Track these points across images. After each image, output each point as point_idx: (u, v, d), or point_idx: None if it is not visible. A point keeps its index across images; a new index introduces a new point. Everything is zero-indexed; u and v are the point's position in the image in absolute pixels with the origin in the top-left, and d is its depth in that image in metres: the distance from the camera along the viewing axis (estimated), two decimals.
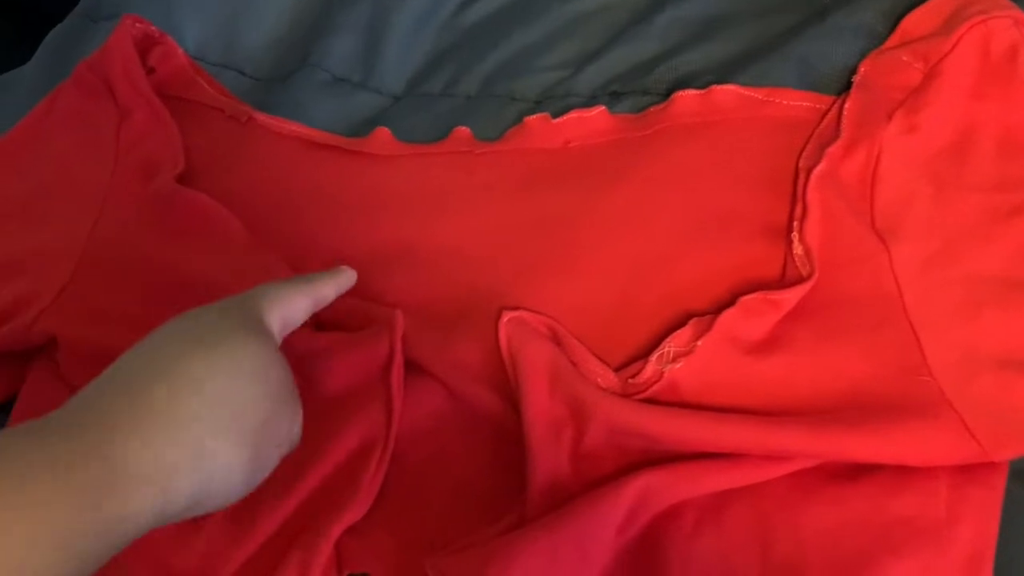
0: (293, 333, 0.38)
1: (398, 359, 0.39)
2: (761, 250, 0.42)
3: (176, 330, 0.31)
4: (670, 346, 0.39)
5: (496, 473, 0.39)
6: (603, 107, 0.46)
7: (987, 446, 0.36)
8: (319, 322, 0.43)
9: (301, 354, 0.41)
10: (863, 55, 0.46)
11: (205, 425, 0.29)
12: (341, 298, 0.43)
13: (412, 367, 0.40)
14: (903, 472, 0.36)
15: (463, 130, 0.48)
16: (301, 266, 0.45)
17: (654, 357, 0.38)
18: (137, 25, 0.52)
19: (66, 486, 0.25)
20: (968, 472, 0.36)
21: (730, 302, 0.40)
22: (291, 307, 0.36)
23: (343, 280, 0.40)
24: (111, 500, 0.25)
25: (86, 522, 0.25)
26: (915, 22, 0.46)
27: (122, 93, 0.49)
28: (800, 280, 0.40)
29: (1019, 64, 0.42)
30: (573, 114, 0.46)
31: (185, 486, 0.28)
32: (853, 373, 0.38)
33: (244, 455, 0.30)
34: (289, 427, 0.33)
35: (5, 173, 0.49)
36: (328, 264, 0.43)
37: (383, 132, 0.48)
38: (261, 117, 0.50)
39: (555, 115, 0.48)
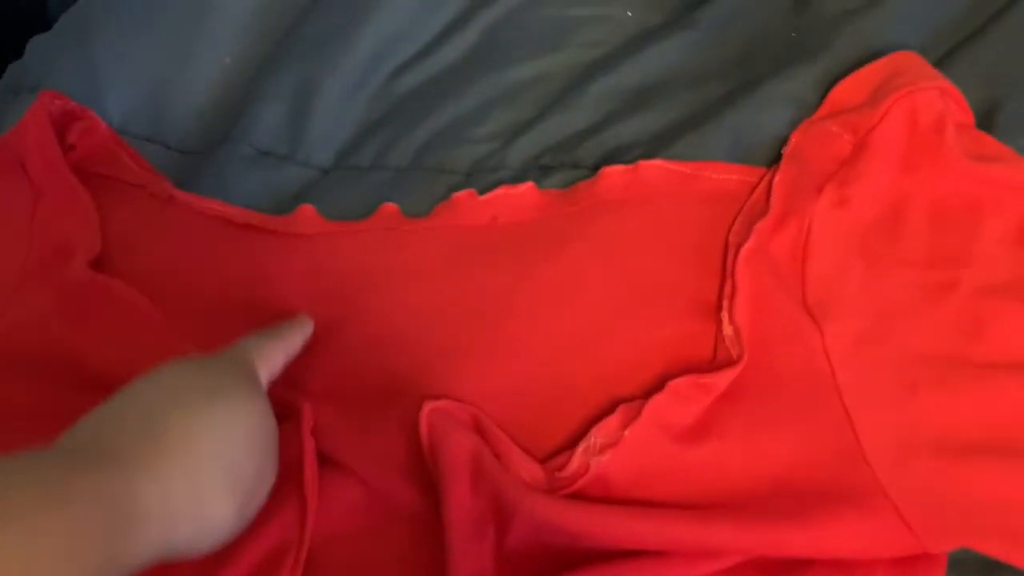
0: None
1: (309, 456, 0.37)
2: (692, 328, 0.41)
3: (181, 380, 0.33)
4: (596, 436, 0.37)
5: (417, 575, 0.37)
6: (531, 183, 0.45)
7: (923, 537, 0.34)
8: None
9: None
10: (794, 125, 0.45)
11: (207, 476, 0.31)
12: None
13: (328, 461, 0.39)
14: (839, 566, 0.35)
15: (390, 206, 0.47)
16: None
17: (580, 448, 0.37)
18: (56, 101, 0.50)
19: (84, 522, 0.25)
20: (906, 565, 0.35)
21: (659, 386, 0.38)
22: (273, 362, 0.38)
23: (307, 330, 0.42)
24: (123, 538, 0.26)
25: (96, 555, 0.25)
26: (844, 92, 0.45)
27: (37, 172, 0.48)
28: (730, 362, 0.39)
29: (946, 136, 0.41)
30: (500, 190, 0.45)
31: (184, 531, 0.29)
32: (786, 459, 0.37)
33: (235, 506, 0.32)
34: (267, 487, 0.35)
35: None
36: None
37: (307, 209, 0.47)
38: (180, 195, 0.48)
39: (485, 189, 0.47)
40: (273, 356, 0.38)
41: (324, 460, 0.38)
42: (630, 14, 0.54)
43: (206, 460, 0.31)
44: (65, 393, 0.42)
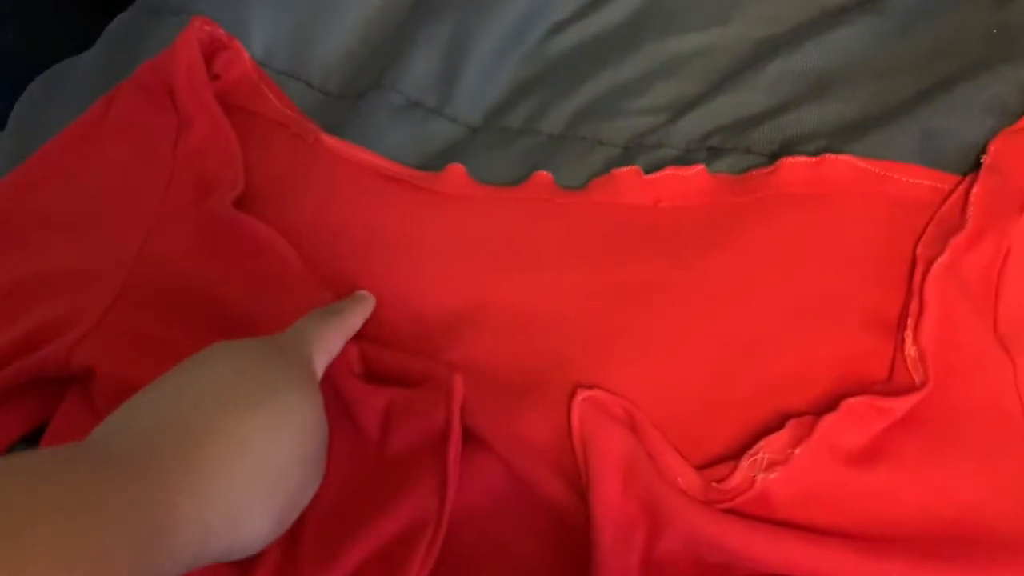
0: (344, 381, 0.38)
1: (456, 432, 0.36)
2: (868, 344, 0.38)
3: (229, 374, 0.31)
4: (764, 452, 0.35)
5: (557, 568, 0.35)
6: (702, 166, 0.42)
7: None
8: (372, 373, 0.40)
9: (351, 406, 0.38)
10: (994, 133, 0.41)
11: (247, 493, 0.29)
12: (397, 351, 0.40)
13: (470, 437, 0.37)
14: None
15: (544, 175, 0.44)
16: None
17: (746, 462, 0.35)
18: (205, 28, 0.49)
19: (116, 529, 0.24)
20: None
21: (831, 403, 0.36)
22: (331, 345, 0.36)
23: (368, 307, 0.40)
24: (154, 549, 0.25)
25: (125, 564, 0.24)
26: None
27: (184, 102, 0.46)
28: (911, 386, 0.36)
29: None
30: (668, 171, 0.42)
31: (218, 545, 0.28)
32: (965, 499, 0.34)
33: (274, 520, 0.31)
34: (312, 492, 0.34)
35: (53, 178, 0.46)
36: (397, 314, 0.41)
37: (457, 169, 0.45)
38: (328, 140, 0.46)
39: (646, 167, 0.44)
40: (333, 339, 0.37)
41: (467, 436, 0.37)
42: None
43: (248, 474, 0.29)
44: (202, 330, 0.41)
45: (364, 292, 0.41)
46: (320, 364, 0.35)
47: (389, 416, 0.37)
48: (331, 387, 0.39)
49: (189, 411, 0.29)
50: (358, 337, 0.40)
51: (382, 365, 0.40)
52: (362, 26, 0.53)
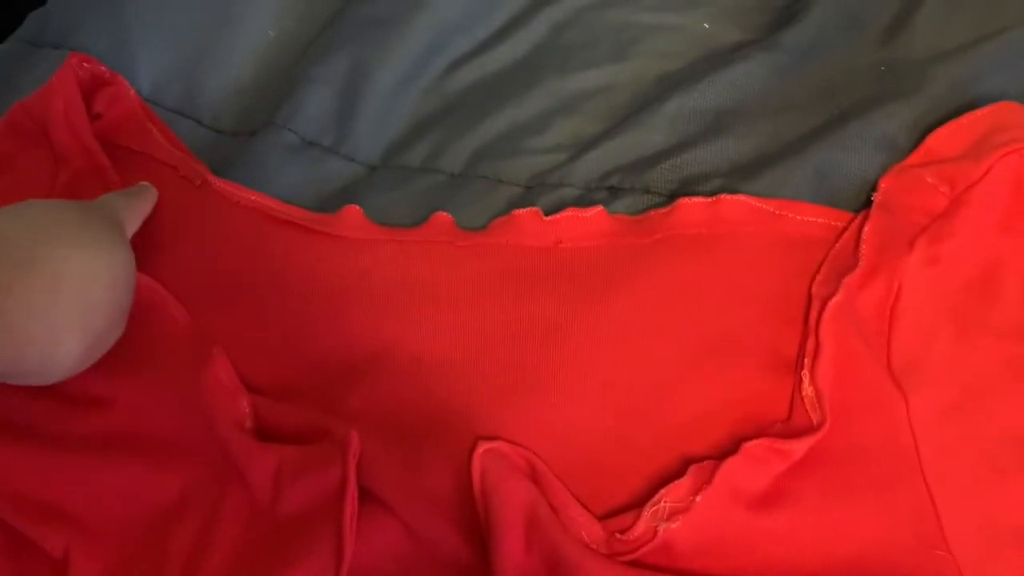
0: (234, 439, 0.37)
1: (352, 491, 0.34)
2: (767, 384, 0.38)
3: (52, 218, 0.34)
4: (666, 500, 0.34)
5: None
6: (601, 207, 0.42)
7: None
8: (263, 428, 0.38)
9: (240, 465, 0.36)
10: (884, 169, 0.42)
11: (66, 311, 0.32)
12: (291, 405, 0.38)
13: (368, 495, 0.35)
14: None
15: (444, 216, 0.43)
16: (258, 358, 0.40)
17: (647, 512, 0.34)
18: (84, 64, 0.46)
19: None
20: None
21: (731, 446, 0.36)
22: (134, 222, 0.40)
23: (154, 195, 0.43)
24: None
25: None
26: (941, 140, 0.42)
27: (60, 143, 0.44)
28: (809, 426, 0.36)
29: None
30: (568, 212, 0.42)
31: (32, 356, 0.32)
32: (863, 537, 0.35)
33: (84, 346, 0.34)
34: (116, 336, 0.37)
35: None
36: (293, 364, 0.40)
37: (353, 210, 0.43)
38: (217, 182, 0.44)
39: (548, 206, 0.44)
40: (134, 216, 0.40)
41: (363, 494, 0.35)
42: (707, 26, 0.51)
43: (68, 299, 0.32)
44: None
45: (147, 184, 0.44)
46: (126, 230, 0.39)
47: (281, 475, 0.35)
48: (220, 445, 0.37)
49: (15, 239, 0.32)
50: (251, 391, 0.38)
51: (275, 420, 0.38)
52: (256, 60, 0.51)
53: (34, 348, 0.31)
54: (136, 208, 0.41)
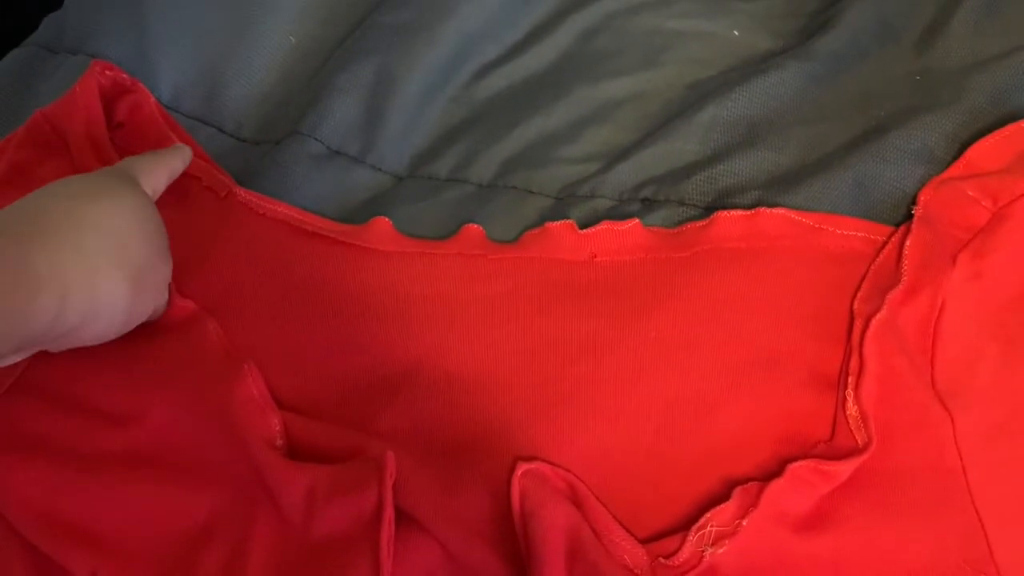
0: (265, 458, 0.36)
1: (388, 513, 0.33)
2: (809, 402, 0.37)
3: (66, 186, 0.35)
4: (712, 524, 0.33)
5: None
6: (637, 220, 0.41)
7: None
8: (295, 447, 0.37)
9: (272, 486, 0.35)
10: (923, 182, 0.42)
11: (99, 254, 0.33)
12: (324, 423, 0.37)
13: (404, 517, 0.35)
14: None
15: (475, 228, 0.42)
16: (289, 374, 0.39)
17: (693, 536, 0.33)
18: (107, 72, 0.45)
19: None
20: None
21: (775, 467, 0.35)
22: (156, 178, 0.40)
23: (187, 155, 0.43)
24: (17, 293, 0.29)
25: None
26: (982, 153, 0.41)
27: (79, 154, 0.43)
28: (854, 447, 0.35)
29: None
30: (603, 226, 0.41)
31: (78, 301, 0.32)
32: (910, 561, 0.34)
33: (127, 288, 0.34)
34: (164, 279, 0.38)
35: None
36: (322, 381, 0.39)
37: (383, 222, 0.42)
38: (243, 193, 0.43)
39: (580, 218, 0.43)
40: (156, 172, 0.40)
41: (400, 516, 0.34)
42: (736, 33, 0.50)
43: (92, 235, 0.33)
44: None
45: (182, 144, 0.44)
46: (147, 187, 0.38)
47: (314, 496, 0.34)
48: (251, 463, 0.36)
49: (38, 201, 0.34)
50: (281, 407, 0.38)
51: (307, 439, 0.37)
52: (278, 67, 0.51)
53: (73, 294, 0.31)
54: (156, 162, 0.40)
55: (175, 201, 0.44)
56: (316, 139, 0.46)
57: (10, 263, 0.30)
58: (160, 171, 0.40)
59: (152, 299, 0.37)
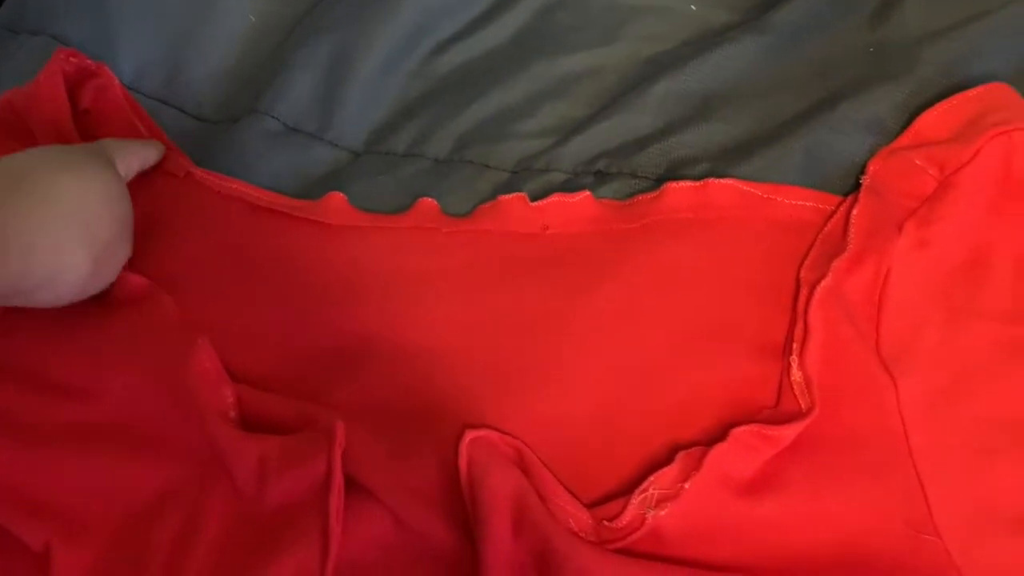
0: (217, 430, 0.36)
1: (338, 481, 0.34)
2: (756, 370, 0.38)
3: (43, 155, 0.37)
4: (654, 487, 0.34)
5: None
6: (588, 192, 0.42)
7: None
8: (248, 419, 0.37)
9: (224, 456, 0.36)
10: (872, 152, 0.42)
11: (67, 226, 0.35)
12: (277, 395, 0.38)
13: (355, 486, 0.35)
14: None
15: (429, 202, 0.43)
16: (246, 349, 0.40)
17: (636, 500, 0.34)
18: (71, 59, 0.45)
19: None
20: None
21: (720, 433, 0.35)
22: (128, 164, 0.41)
23: (161, 150, 0.45)
24: None
25: None
26: (930, 122, 0.42)
27: (46, 142, 0.43)
28: (798, 412, 0.36)
29: None
30: (554, 197, 0.41)
31: (39, 266, 0.34)
32: (852, 523, 0.34)
33: (89, 261, 0.36)
34: (124, 259, 0.39)
35: None
36: (279, 355, 0.40)
37: (337, 197, 0.43)
38: (199, 173, 0.44)
39: (535, 191, 0.43)
40: (130, 159, 0.41)
41: (350, 484, 0.35)
42: (694, 8, 0.50)
43: (65, 213, 0.34)
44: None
45: (156, 141, 0.45)
46: (119, 168, 0.40)
47: (265, 466, 0.35)
48: (205, 435, 0.36)
49: (14, 163, 0.35)
50: (238, 381, 0.38)
51: (260, 410, 0.37)
52: (238, 46, 0.51)
53: (37, 258, 0.33)
54: (131, 150, 0.42)
55: (134, 183, 0.44)
56: (273, 116, 0.46)
57: None
58: (133, 158, 0.42)
59: (110, 276, 0.39)
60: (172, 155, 0.45)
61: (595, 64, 0.48)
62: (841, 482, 0.35)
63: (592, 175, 0.44)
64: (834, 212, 0.40)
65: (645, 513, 0.33)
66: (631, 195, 0.42)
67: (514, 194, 0.42)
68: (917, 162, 0.41)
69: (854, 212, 0.39)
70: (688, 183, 0.41)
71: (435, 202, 0.43)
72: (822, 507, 0.35)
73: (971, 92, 0.42)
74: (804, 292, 0.38)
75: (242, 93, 0.49)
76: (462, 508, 0.34)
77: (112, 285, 0.40)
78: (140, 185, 0.44)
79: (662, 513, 0.33)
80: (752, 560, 0.34)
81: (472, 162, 0.45)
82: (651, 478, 0.34)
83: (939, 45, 0.45)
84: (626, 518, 0.34)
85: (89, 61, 0.46)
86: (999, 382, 0.37)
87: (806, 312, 0.37)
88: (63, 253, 0.35)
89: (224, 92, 0.50)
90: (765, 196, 0.41)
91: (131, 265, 0.41)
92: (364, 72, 0.48)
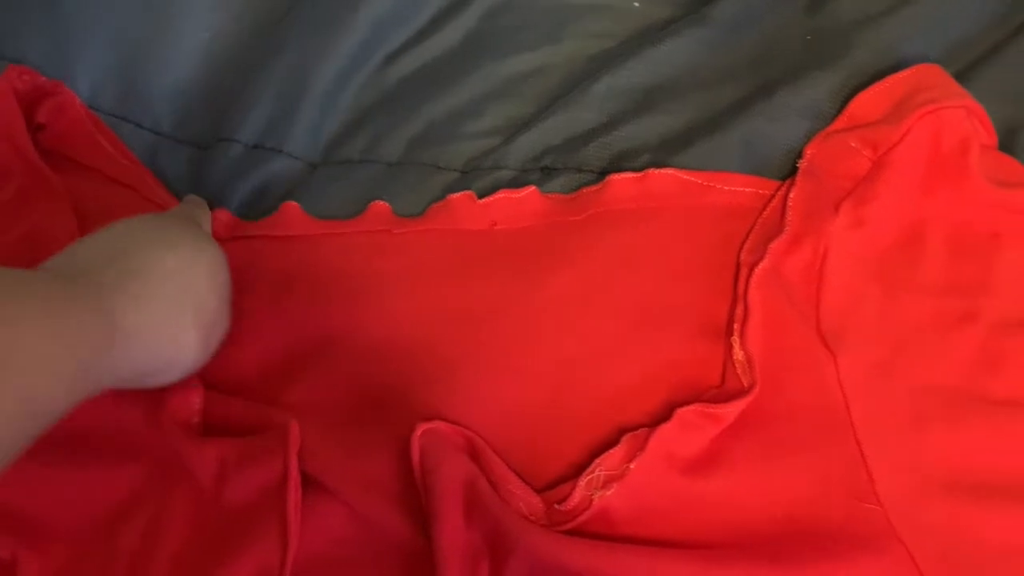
0: (178, 435, 0.37)
1: (294, 480, 0.35)
2: (701, 352, 0.39)
3: (144, 229, 0.36)
4: (600, 469, 0.35)
5: None
6: (533, 187, 0.43)
7: None
8: (211, 423, 0.38)
9: (188, 460, 0.37)
10: (809, 137, 0.43)
11: (182, 312, 0.34)
12: (238, 399, 0.39)
13: (312, 483, 0.36)
14: None
15: (381, 205, 0.44)
16: (214, 357, 0.40)
17: (583, 482, 0.35)
18: (24, 76, 0.46)
19: (64, 327, 0.28)
20: None
21: (666, 414, 0.36)
22: (207, 222, 0.43)
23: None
24: (97, 350, 0.29)
25: (72, 362, 0.28)
26: (863, 104, 0.43)
27: (1, 158, 0.44)
28: (741, 391, 0.37)
29: (970, 158, 0.40)
30: (501, 194, 0.43)
31: (153, 353, 0.33)
32: (797, 496, 0.35)
33: (199, 339, 0.35)
34: (225, 327, 0.39)
35: None
36: (242, 359, 0.41)
37: (292, 208, 0.44)
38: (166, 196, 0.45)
39: (484, 190, 0.44)
40: (205, 218, 0.43)
41: (308, 482, 0.36)
42: (636, 4, 0.51)
43: (176, 294, 0.34)
44: None
45: (194, 196, 0.45)
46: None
47: (224, 468, 0.36)
48: (170, 441, 0.37)
49: (123, 247, 0.34)
50: (206, 386, 0.39)
51: (223, 414, 0.38)
52: (194, 61, 0.51)
53: (155, 347, 0.33)
54: (204, 215, 0.43)
55: (101, 202, 0.45)
56: (236, 140, 0.47)
57: (102, 315, 0.30)
58: (206, 217, 0.43)
59: (214, 350, 0.38)
60: (140, 173, 0.46)
61: (541, 64, 0.49)
62: (785, 456, 0.36)
63: (539, 171, 0.45)
64: (772, 196, 0.42)
65: (592, 495, 0.34)
66: (576, 188, 0.43)
67: (462, 192, 0.43)
68: (851, 144, 0.42)
69: (791, 195, 0.40)
70: (630, 174, 0.42)
71: (387, 204, 0.44)
72: (767, 481, 0.36)
73: (902, 73, 0.43)
74: (744, 274, 0.39)
75: (199, 108, 0.50)
76: (417, 499, 0.35)
77: None
78: (108, 202, 0.45)
79: (608, 493, 0.34)
80: (701, 535, 0.35)
81: (423, 164, 0.46)
82: (598, 460, 0.35)
83: (872, 31, 0.47)
84: (574, 500, 0.35)
85: (44, 79, 0.47)
86: (934, 353, 0.38)
87: (746, 293, 0.38)
88: (178, 339, 0.34)
89: (180, 107, 0.50)
90: (705, 184, 0.42)
91: None
92: (318, 85, 0.49)
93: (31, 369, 0.26)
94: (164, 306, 0.33)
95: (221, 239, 0.43)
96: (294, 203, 0.44)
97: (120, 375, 0.32)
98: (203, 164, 0.48)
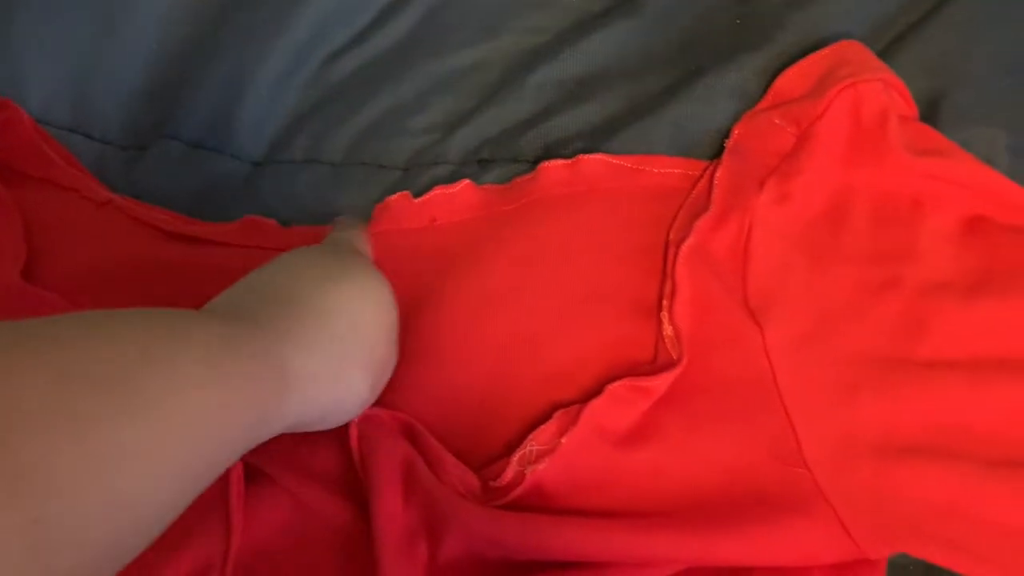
0: None
1: (236, 473, 0.36)
2: (633, 329, 0.40)
3: (307, 265, 0.35)
4: (532, 444, 0.36)
5: None
6: (468, 181, 0.44)
7: (863, 542, 0.34)
8: None
9: None
10: (737, 117, 0.44)
11: (349, 356, 0.33)
12: None
13: (255, 473, 0.37)
14: (778, 573, 0.34)
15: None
16: None
17: (516, 458, 0.36)
18: None
19: (242, 379, 0.27)
20: (845, 570, 0.35)
21: (599, 390, 0.37)
22: (367, 247, 0.42)
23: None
24: (272, 399, 0.28)
25: (249, 412, 0.27)
26: (787, 82, 0.44)
27: None
28: (670, 364, 0.38)
29: (889, 129, 0.40)
30: (436, 191, 0.44)
31: (322, 398, 0.32)
32: (726, 464, 0.36)
33: (368, 382, 0.34)
34: (392, 366, 0.37)
35: None
36: None
37: (249, 220, 0.45)
38: (119, 200, 0.46)
39: (425, 186, 0.45)
40: (365, 242, 0.42)
41: (251, 473, 0.37)
42: None
43: (343, 334, 0.32)
44: None
45: (344, 218, 0.44)
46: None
47: None
48: None
49: (286, 286, 0.33)
50: None
51: None
52: (141, 70, 0.53)
53: (322, 394, 0.32)
54: (362, 238, 0.42)
55: (50, 211, 0.46)
56: (176, 139, 0.49)
57: (271, 362, 0.29)
58: (365, 238, 0.42)
59: (380, 390, 0.37)
60: (88, 182, 0.47)
61: (480, 59, 0.50)
62: (714, 426, 0.37)
63: (476, 164, 0.46)
64: (701, 177, 0.43)
65: (524, 469, 0.35)
66: (512, 179, 0.44)
67: (399, 193, 0.44)
68: (776, 121, 0.43)
69: (717, 174, 0.42)
70: (560, 161, 0.43)
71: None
72: (697, 451, 0.37)
73: (824, 51, 0.44)
74: (672, 252, 0.40)
75: (146, 116, 0.51)
76: (358, 484, 0.36)
77: (27, 306, 0.42)
78: (54, 209, 0.46)
79: (540, 467, 0.35)
80: (633, 505, 0.36)
81: (366, 163, 0.47)
82: (531, 436, 0.36)
83: (799, 11, 0.47)
84: (508, 476, 0.36)
85: None
86: (860, 321, 0.39)
87: (674, 270, 0.39)
88: (346, 384, 0.33)
89: (128, 114, 0.52)
90: (634, 167, 0.43)
91: (49, 287, 0.43)
92: (260, 86, 0.50)
93: (203, 439, 0.25)
94: (332, 354, 0.32)
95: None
96: (252, 217, 0.45)
97: (287, 423, 0.30)
98: (140, 162, 0.49)
